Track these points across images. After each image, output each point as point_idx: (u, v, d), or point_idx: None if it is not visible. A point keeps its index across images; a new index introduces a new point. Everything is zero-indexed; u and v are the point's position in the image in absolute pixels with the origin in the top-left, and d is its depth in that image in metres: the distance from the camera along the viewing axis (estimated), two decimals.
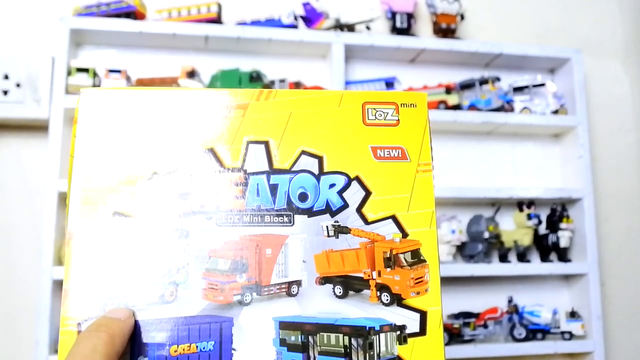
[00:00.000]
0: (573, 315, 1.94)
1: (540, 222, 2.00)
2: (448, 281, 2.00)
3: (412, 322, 0.59)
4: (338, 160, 0.62)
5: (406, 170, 0.63)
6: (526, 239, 1.98)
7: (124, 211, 0.58)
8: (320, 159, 0.62)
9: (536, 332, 1.93)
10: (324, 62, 2.05)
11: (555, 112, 2.04)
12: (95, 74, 1.82)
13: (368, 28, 2.02)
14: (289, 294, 0.59)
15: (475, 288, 2.03)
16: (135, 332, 0.56)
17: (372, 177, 0.62)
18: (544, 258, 2.03)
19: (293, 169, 0.61)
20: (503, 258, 2.01)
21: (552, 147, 2.16)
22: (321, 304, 0.59)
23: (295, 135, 0.62)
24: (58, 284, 1.74)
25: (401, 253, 0.61)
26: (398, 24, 2.04)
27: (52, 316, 1.67)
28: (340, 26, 2.00)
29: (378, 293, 0.60)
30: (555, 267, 1.97)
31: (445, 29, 2.07)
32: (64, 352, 0.56)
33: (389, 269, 0.61)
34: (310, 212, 0.61)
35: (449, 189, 1.96)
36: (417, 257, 0.61)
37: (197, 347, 0.57)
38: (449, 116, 1.96)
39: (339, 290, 0.60)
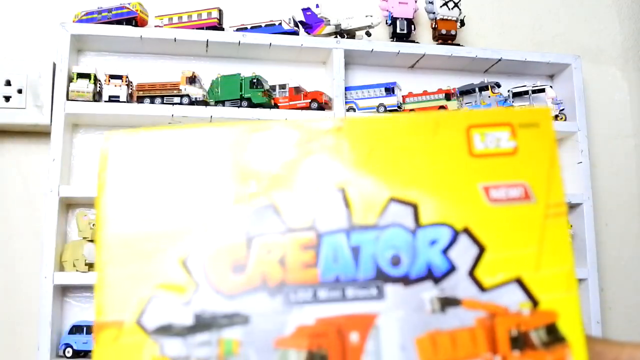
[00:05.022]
0: None
1: None
2: None
3: None
4: (439, 208, 0.46)
5: (531, 214, 0.46)
6: None
7: (165, 295, 0.45)
8: (414, 208, 0.46)
9: None
10: (324, 68, 1.99)
11: (555, 118, 1.97)
12: (96, 80, 1.76)
13: (368, 34, 1.95)
14: None
15: None
16: None
17: (486, 228, 0.46)
18: None
19: (380, 223, 0.46)
20: None
21: None
22: None
23: (380, 178, 0.46)
24: (59, 290, 1.73)
25: (533, 330, 0.44)
26: (398, 30, 1.98)
27: (54, 321, 1.63)
28: (340, 32, 1.94)
29: None
30: None
31: (445, 35, 2.00)
32: None
33: (517, 352, 0.44)
34: (406, 281, 0.45)
35: None
36: (554, 335, 0.44)
37: None
38: None
39: None
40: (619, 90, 2.23)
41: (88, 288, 1.79)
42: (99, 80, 1.80)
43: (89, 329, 1.67)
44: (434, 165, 0.47)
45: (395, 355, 0.44)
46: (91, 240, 1.70)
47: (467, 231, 0.46)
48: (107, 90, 1.79)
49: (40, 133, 1.82)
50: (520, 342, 0.44)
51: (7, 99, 1.76)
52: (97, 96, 1.79)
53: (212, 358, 0.44)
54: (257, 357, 0.44)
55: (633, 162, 2.19)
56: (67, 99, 1.74)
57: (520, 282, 0.45)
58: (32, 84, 1.77)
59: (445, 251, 0.46)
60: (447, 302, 0.45)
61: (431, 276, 0.45)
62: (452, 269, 0.45)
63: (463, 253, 0.46)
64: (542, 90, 2.01)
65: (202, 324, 0.44)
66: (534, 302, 0.45)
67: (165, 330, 0.44)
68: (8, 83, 1.76)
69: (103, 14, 1.83)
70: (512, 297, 0.45)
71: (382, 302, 0.45)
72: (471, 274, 0.45)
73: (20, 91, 1.76)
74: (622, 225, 2.17)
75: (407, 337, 0.44)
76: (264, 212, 0.45)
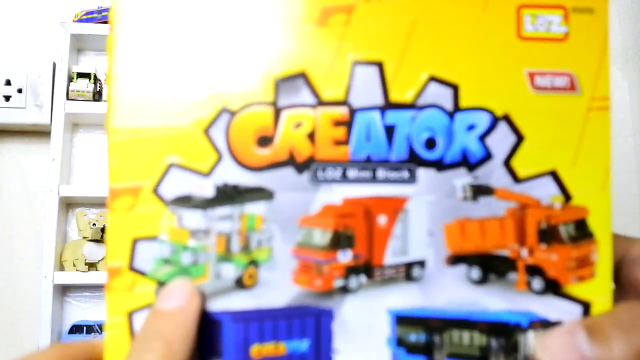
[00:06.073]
0: None
1: None
2: None
3: (571, 317, 0.42)
4: (480, 91, 0.43)
5: (575, 106, 0.42)
6: None
7: (185, 164, 0.41)
8: (455, 89, 0.43)
9: None
10: None
11: None
12: (96, 79, 1.76)
13: None
14: (409, 278, 0.43)
15: None
16: (206, 323, 0.41)
17: (526, 116, 0.43)
18: None
19: (418, 103, 0.42)
20: None
21: None
22: (452, 292, 0.43)
23: (421, 54, 0.43)
24: (59, 289, 1.75)
25: (562, 224, 0.43)
26: None
27: (54, 321, 1.62)
28: None
29: (528, 277, 0.43)
30: None
31: None
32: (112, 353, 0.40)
33: (544, 246, 0.43)
34: (440, 165, 0.42)
35: None
36: (582, 231, 0.43)
37: (286, 347, 0.42)
38: None
39: (476, 273, 0.43)
40: (618, 89, 2.23)
41: (88, 288, 1.78)
42: (99, 80, 1.80)
43: (89, 329, 1.67)
44: (479, 45, 0.43)
45: (422, 241, 0.43)
46: (91, 240, 1.70)
47: (507, 118, 0.43)
48: (107, 90, 1.79)
49: (40, 132, 1.82)
50: (548, 235, 0.43)
51: (7, 98, 1.76)
52: (97, 96, 1.79)
53: (234, 233, 0.42)
54: (280, 234, 0.42)
55: (633, 161, 2.19)
56: (67, 99, 1.74)
57: (555, 175, 0.43)
58: (32, 83, 1.77)
59: (482, 137, 0.43)
60: (480, 190, 0.43)
61: (466, 162, 0.43)
62: (487, 156, 0.43)
63: (501, 141, 0.43)
64: None
65: (224, 197, 0.42)
66: (567, 197, 0.43)
67: (184, 201, 0.41)
68: (8, 82, 1.76)
69: (103, 14, 1.83)
70: (545, 189, 0.43)
71: (414, 185, 0.42)
72: (507, 163, 0.43)
73: (20, 91, 1.76)
74: (622, 225, 2.16)
75: (435, 223, 0.43)
76: (295, 81, 0.42)
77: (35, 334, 1.64)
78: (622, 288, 0.46)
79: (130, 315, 0.41)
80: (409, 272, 0.43)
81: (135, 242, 0.41)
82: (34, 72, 1.77)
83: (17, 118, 1.76)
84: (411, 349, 0.43)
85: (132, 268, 0.41)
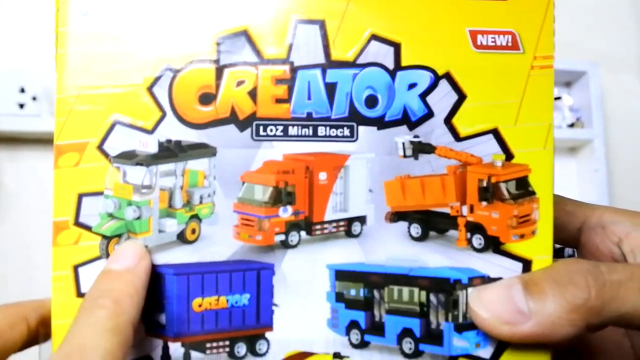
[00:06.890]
0: None
1: None
2: None
3: (511, 274, 0.42)
4: (422, 50, 0.43)
5: (517, 65, 0.44)
6: None
7: (129, 121, 0.42)
8: (397, 47, 0.43)
9: None
10: None
11: (572, 125, 1.97)
12: None
13: None
14: (349, 234, 0.44)
15: None
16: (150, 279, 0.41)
17: (468, 75, 0.43)
18: None
19: (358, 62, 0.43)
20: None
21: (568, 161, 2.08)
22: (392, 248, 0.43)
23: (363, 13, 0.43)
24: None
25: (503, 181, 0.44)
26: None
27: None
28: None
29: (468, 235, 0.44)
30: None
31: None
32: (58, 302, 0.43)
33: (484, 203, 0.44)
34: (380, 123, 0.43)
35: None
36: (524, 188, 0.44)
37: (227, 301, 0.43)
38: None
39: (415, 230, 0.44)
40: (636, 97, 2.20)
41: None
42: None
43: None
44: (421, 4, 0.44)
45: (362, 197, 0.44)
46: None
47: (448, 76, 0.44)
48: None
49: None
50: (489, 193, 0.44)
51: (22, 106, 1.77)
52: None
53: (177, 188, 0.44)
54: (222, 190, 0.43)
55: None
56: None
57: (496, 134, 0.44)
58: (46, 91, 1.78)
59: (423, 95, 0.44)
60: (420, 148, 0.44)
61: (406, 120, 0.44)
62: (428, 114, 0.44)
63: (442, 99, 0.44)
64: (559, 98, 2.00)
65: (167, 153, 0.43)
66: (508, 155, 0.44)
67: (128, 157, 0.43)
68: (22, 90, 1.78)
69: None
70: (486, 147, 0.44)
71: (354, 143, 0.43)
72: (448, 121, 0.44)
73: (34, 98, 1.77)
74: None
75: (376, 180, 0.44)
76: (237, 39, 0.43)
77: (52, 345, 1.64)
78: (582, 254, 0.47)
79: (75, 268, 0.42)
80: (349, 228, 0.45)
81: (80, 197, 0.42)
82: (49, 80, 1.79)
83: (32, 126, 1.77)
84: (350, 304, 0.45)
85: (77, 223, 0.42)
